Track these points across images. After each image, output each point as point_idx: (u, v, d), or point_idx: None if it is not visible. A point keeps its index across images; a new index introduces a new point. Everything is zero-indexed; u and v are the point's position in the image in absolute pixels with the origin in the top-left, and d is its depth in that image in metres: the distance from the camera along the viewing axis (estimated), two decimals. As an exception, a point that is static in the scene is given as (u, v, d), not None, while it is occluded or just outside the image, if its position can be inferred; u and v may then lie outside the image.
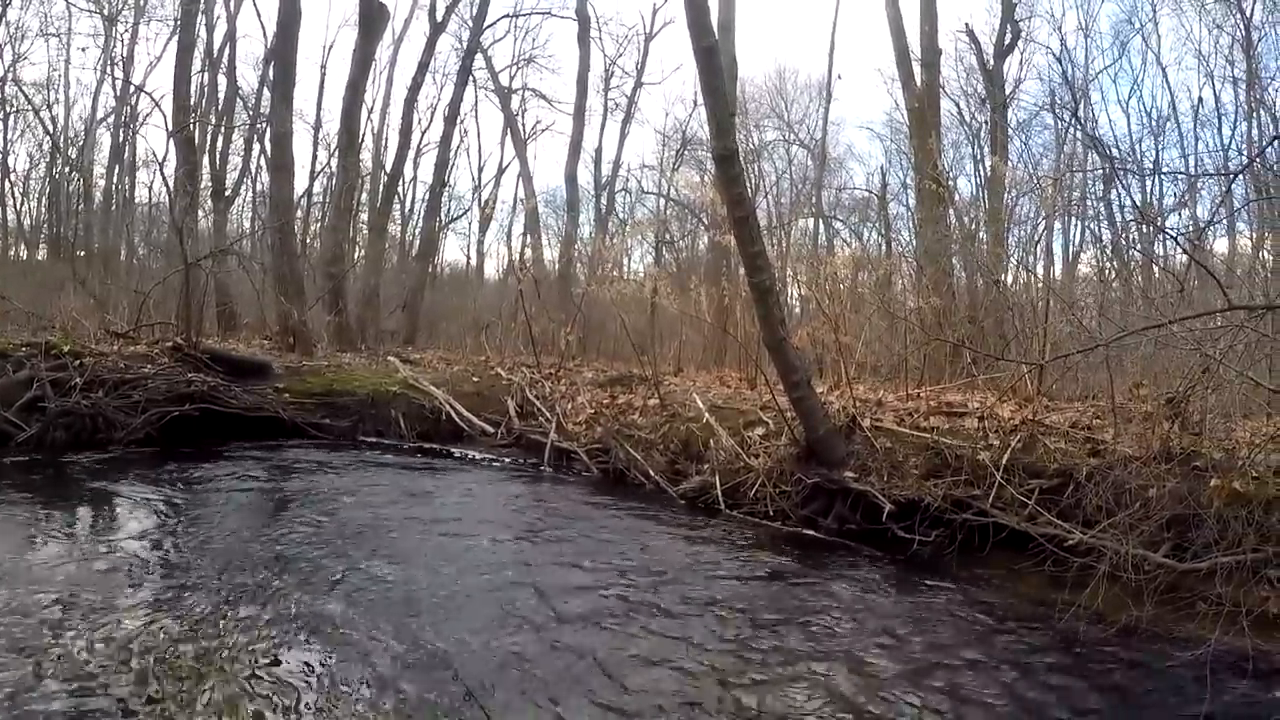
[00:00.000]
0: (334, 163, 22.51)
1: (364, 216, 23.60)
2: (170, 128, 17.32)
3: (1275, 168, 10.74)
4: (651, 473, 7.76)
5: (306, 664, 3.40)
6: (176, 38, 19.08)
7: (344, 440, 9.42)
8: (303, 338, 13.81)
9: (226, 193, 21.91)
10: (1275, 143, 11.73)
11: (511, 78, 27.55)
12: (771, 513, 6.52)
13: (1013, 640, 4.10)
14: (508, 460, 8.94)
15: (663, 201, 25.52)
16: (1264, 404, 5.08)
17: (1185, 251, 6.10)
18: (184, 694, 3.08)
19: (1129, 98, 20.54)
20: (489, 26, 24.36)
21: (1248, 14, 16.48)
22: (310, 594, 4.23)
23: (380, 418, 9.84)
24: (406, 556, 5.12)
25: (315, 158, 27.20)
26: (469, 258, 32.53)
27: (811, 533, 6.19)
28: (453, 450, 9.29)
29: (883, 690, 3.46)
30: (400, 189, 25.70)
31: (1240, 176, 8.92)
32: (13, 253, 24.39)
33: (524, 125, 28.10)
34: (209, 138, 21.29)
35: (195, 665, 3.31)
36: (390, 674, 3.37)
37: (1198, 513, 4.35)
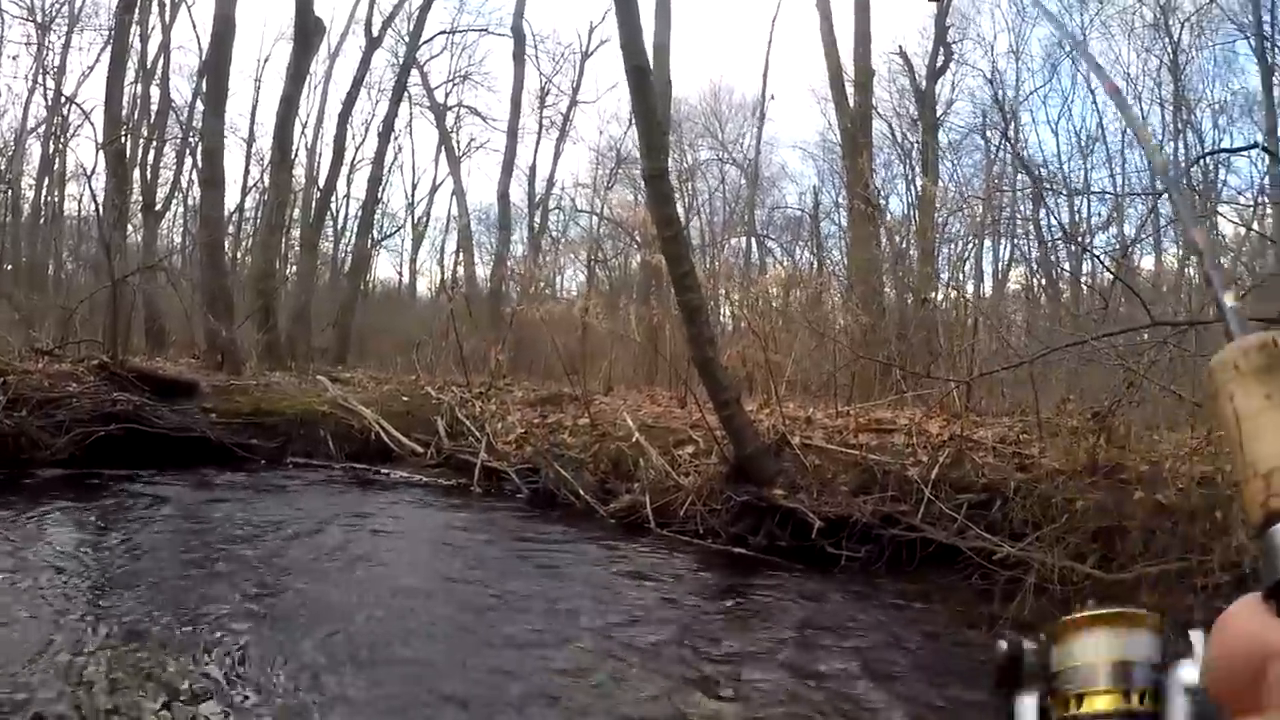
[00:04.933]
0: (266, 178, 22.30)
1: (295, 233, 23.23)
2: (101, 140, 16.95)
3: (1200, 186, 11.12)
4: (581, 492, 7.70)
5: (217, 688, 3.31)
6: (109, 47, 18.69)
7: (272, 461, 9.22)
8: (231, 356, 13.51)
9: (157, 207, 21.54)
10: (1201, 160, 12.17)
11: (447, 94, 27.35)
12: (701, 531, 6.50)
13: (941, 652, 4.14)
14: (438, 480, 8.82)
15: (596, 220, 25.44)
16: (1187, 417, 5.13)
17: (1108, 270, 6.20)
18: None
19: (1059, 119, 21.18)
20: (425, 42, 24.43)
21: (1175, 38, 17.24)
22: (224, 628, 4.01)
23: (309, 438, 9.64)
24: (321, 579, 5.06)
25: (247, 173, 26.84)
26: (401, 275, 32.39)
27: (741, 550, 6.18)
28: (382, 470, 9.14)
29: (808, 700, 3.48)
30: (333, 205, 25.50)
31: (1165, 194, 9.17)
32: (-65, 265, 23.35)
33: (458, 142, 27.90)
34: (140, 151, 20.87)
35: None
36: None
37: (1123, 524, 4.38)
